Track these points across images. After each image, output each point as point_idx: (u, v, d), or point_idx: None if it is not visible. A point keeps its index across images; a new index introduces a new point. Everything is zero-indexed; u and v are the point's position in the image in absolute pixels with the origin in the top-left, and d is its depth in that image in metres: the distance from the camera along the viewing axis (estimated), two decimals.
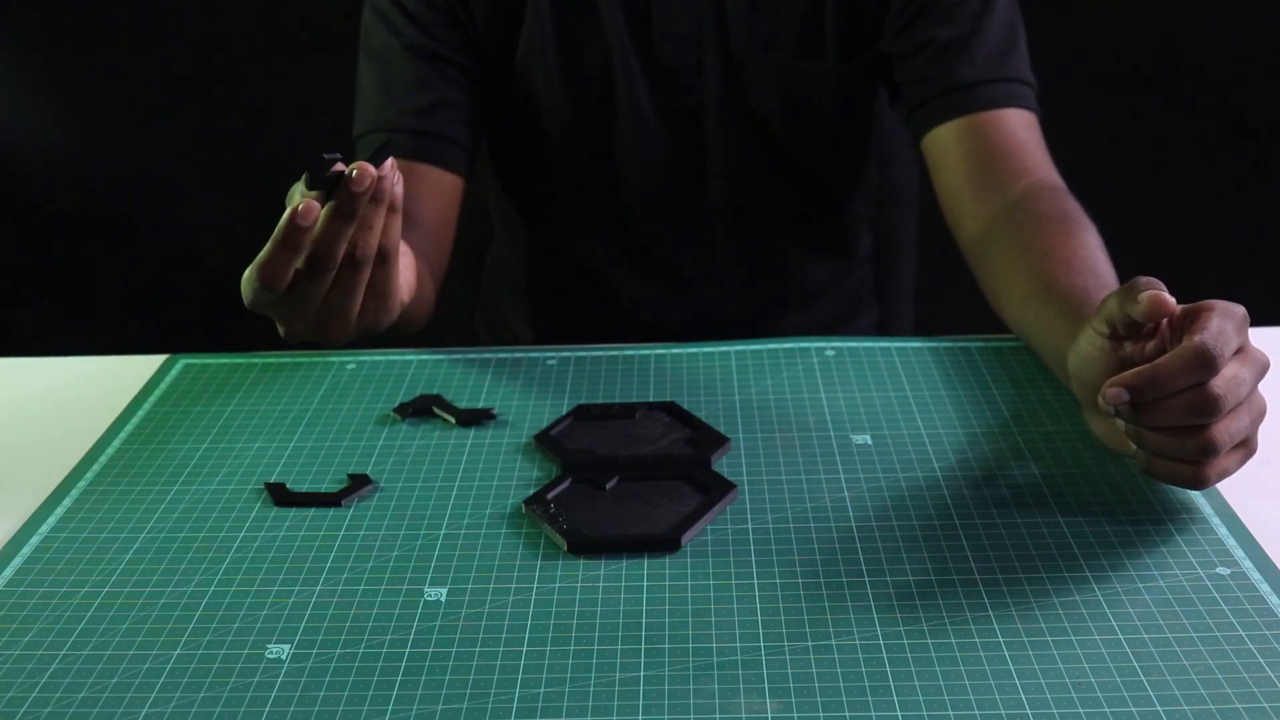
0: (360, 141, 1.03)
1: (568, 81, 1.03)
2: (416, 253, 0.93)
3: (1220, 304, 0.65)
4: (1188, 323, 0.65)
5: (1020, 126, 0.97)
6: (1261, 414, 0.66)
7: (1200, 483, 0.65)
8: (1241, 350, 0.65)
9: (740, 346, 0.91)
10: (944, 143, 0.98)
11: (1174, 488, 0.72)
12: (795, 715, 0.56)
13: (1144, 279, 0.65)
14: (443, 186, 1.01)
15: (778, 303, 1.15)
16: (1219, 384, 0.62)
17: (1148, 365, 0.63)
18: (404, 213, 0.97)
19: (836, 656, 0.59)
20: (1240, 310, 0.65)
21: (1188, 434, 0.64)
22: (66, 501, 0.75)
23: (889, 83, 1.03)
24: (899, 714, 0.56)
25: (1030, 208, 0.91)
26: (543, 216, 1.13)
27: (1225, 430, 0.63)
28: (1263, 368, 0.65)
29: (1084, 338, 0.69)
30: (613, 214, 1.09)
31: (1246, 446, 0.66)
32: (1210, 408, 0.62)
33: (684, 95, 1.03)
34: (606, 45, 1.01)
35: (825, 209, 1.13)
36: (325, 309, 0.73)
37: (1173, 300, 0.64)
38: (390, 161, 0.70)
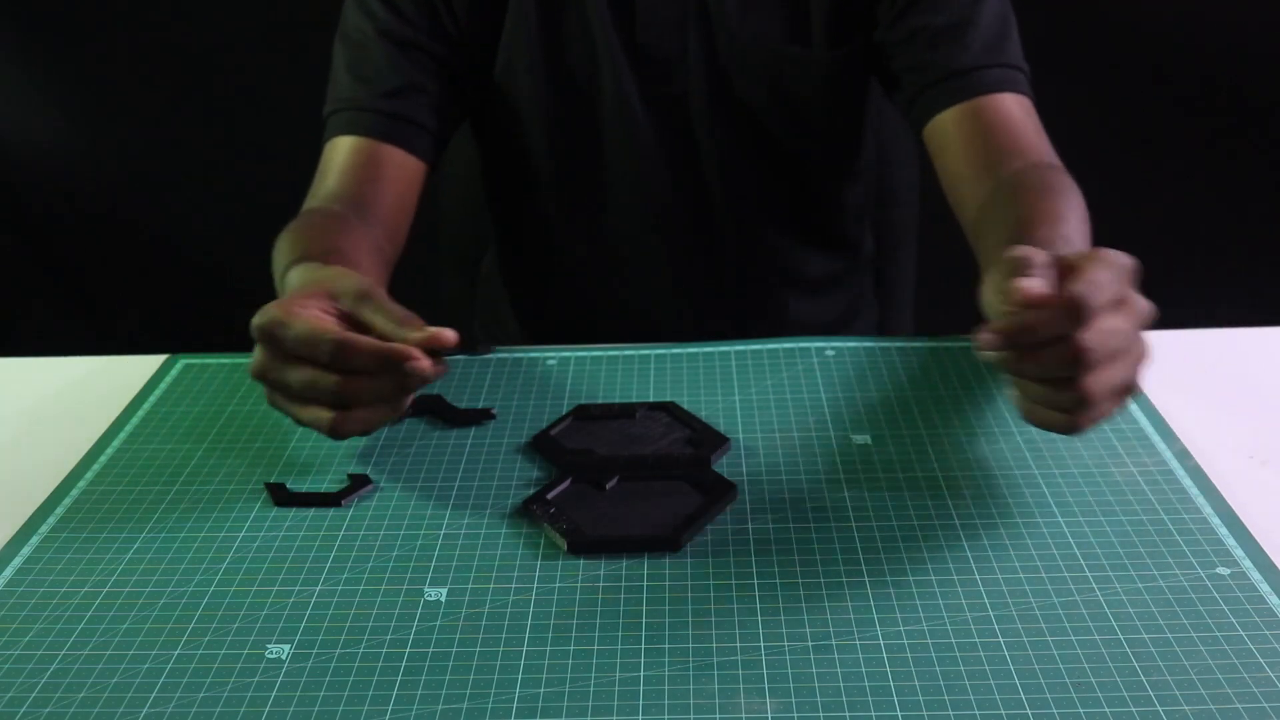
0: (330, 119, 1.03)
1: (552, 70, 1.03)
2: (369, 242, 0.93)
3: (1105, 253, 0.64)
4: (1068, 272, 0.64)
5: (1018, 110, 0.97)
6: (1140, 359, 0.65)
7: (1074, 430, 0.65)
8: (1124, 301, 0.64)
9: (740, 346, 0.91)
10: (944, 129, 0.98)
11: (1172, 488, 0.72)
12: (795, 715, 0.56)
13: (1020, 256, 0.64)
14: (406, 170, 1.01)
15: (772, 297, 1.14)
16: (1090, 337, 0.61)
17: (1021, 312, 0.62)
18: (362, 197, 0.98)
19: (836, 656, 0.59)
20: (1124, 260, 0.65)
21: (1062, 384, 0.63)
22: (66, 501, 0.75)
23: (885, 73, 1.03)
24: (899, 714, 0.56)
25: (1017, 182, 0.90)
26: (531, 209, 1.13)
27: (1098, 382, 0.63)
28: (1145, 317, 0.65)
29: (987, 281, 0.68)
30: (601, 206, 1.09)
31: (1128, 392, 0.66)
32: (1080, 359, 0.61)
33: (669, 83, 1.03)
34: (590, 33, 1.01)
35: (816, 200, 1.13)
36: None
37: (1038, 285, 0.63)
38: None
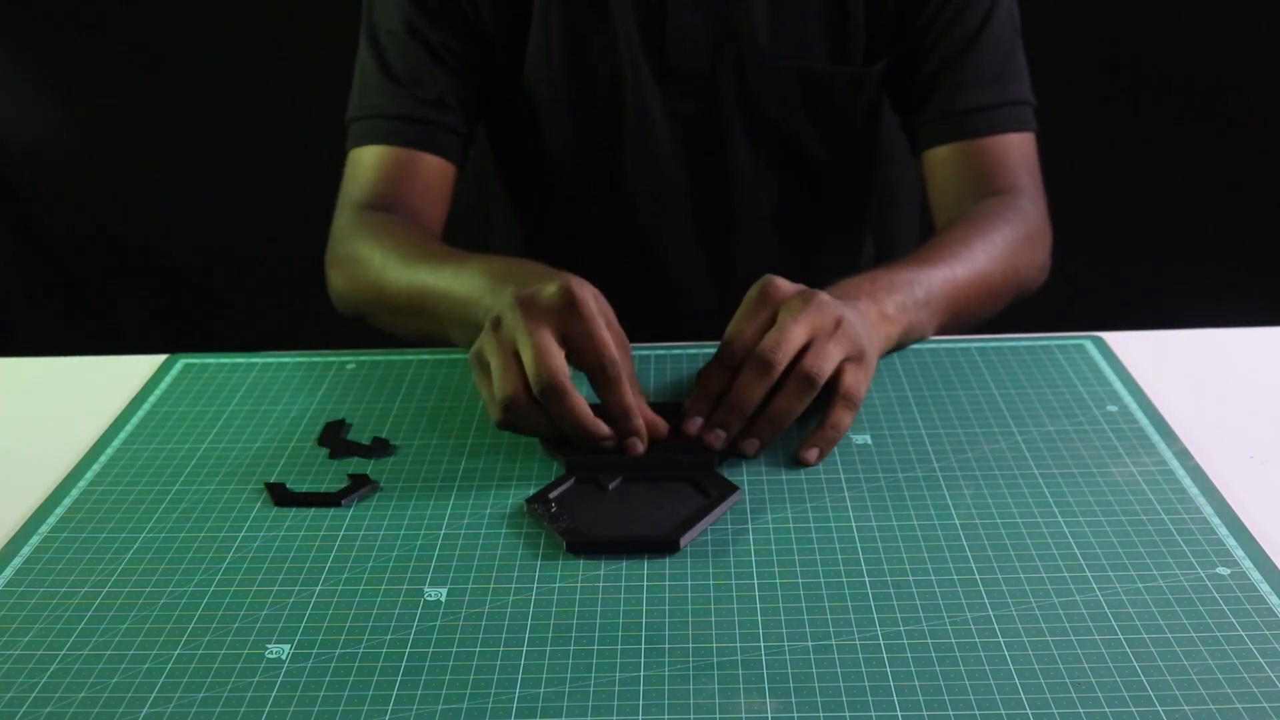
0: (361, 123, 1.02)
1: (574, 80, 1.02)
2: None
3: (744, 301, 0.78)
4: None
5: (1009, 150, 1.00)
6: (835, 326, 0.76)
7: (850, 405, 0.76)
8: (783, 311, 0.75)
9: None
10: (935, 163, 1.02)
11: (1172, 488, 0.72)
12: (795, 715, 0.56)
13: (693, 416, 0.77)
14: (443, 175, 1.02)
15: None
16: (760, 352, 0.74)
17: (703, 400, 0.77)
18: (406, 203, 0.99)
19: (836, 656, 0.59)
20: (756, 288, 0.77)
21: (802, 386, 0.74)
22: (67, 501, 0.75)
23: (893, 94, 1.04)
24: (899, 714, 0.56)
25: (962, 215, 0.96)
26: (545, 217, 1.13)
27: (810, 362, 0.74)
28: (796, 298, 0.76)
29: None
30: (618, 217, 1.09)
31: (857, 361, 0.77)
32: (768, 364, 0.73)
33: (697, 99, 1.02)
34: (615, 45, 1.01)
35: (834, 212, 1.13)
36: None
37: (696, 426, 0.76)
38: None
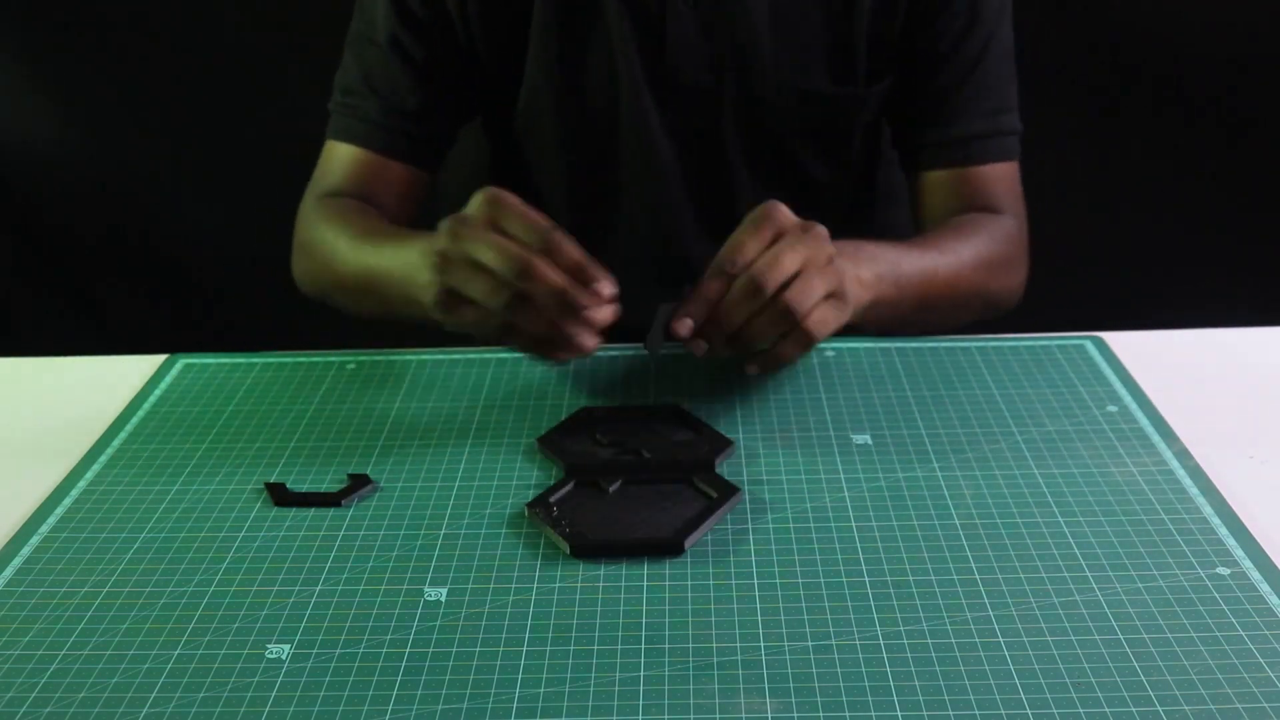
0: (339, 118, 1.03)
1: (570, 92, 1.02)
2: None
3: (749, 216, 0.78)
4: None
5: (999, 177, 1.02)
6: (827, 261, 0.77)
7: (805, 342, 0.77)
8: (779, 232, 0.77)
9: None
10: (928, 185, 1.03)
11: (1172, 488, 0.72)
12: (795, 715, 0.56)
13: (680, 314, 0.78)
14: (413, 182, 1.04)
15: None
16: (755, 268, 0.75)
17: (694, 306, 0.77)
18: (374, 203, 1.00)
19: (836, 656, 0.59)
20: (759, 210, 0.78)
21: (771, 321, 0.76)
22: (66, 501, 0.75)
23: (887, 115, 1.05)
24: (899, 714, 0.56)
25: (957, 218, 0.99)
26: None
27: (798, 292, 0.75)
28: (796, 227, 0.77)
29: None
30: (614, 228, 1.08)
31: (834, 299, 0.77)
32: (758, 286, 0.74)
33: (696, 115, 1.02)
34: (613, 58, 1.00)
35: (836, 231, 1.13)
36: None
37: (687, 328, 0.77)
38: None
